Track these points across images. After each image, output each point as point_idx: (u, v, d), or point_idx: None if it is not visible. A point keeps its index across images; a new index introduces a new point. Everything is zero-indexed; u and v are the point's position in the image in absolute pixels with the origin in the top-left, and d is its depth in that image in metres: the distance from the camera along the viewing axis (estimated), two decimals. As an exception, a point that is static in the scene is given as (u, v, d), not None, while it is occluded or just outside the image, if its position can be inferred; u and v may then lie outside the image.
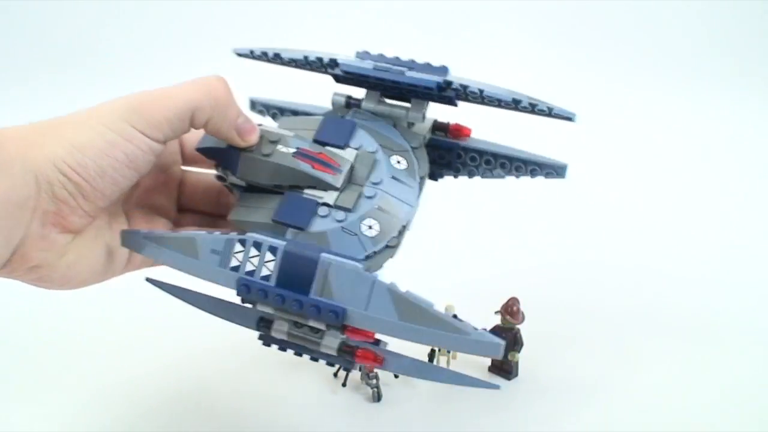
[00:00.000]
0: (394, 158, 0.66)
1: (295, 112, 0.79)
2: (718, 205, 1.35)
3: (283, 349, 0.66)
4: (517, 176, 0.73)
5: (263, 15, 1.89)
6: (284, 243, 0.58)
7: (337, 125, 0.67)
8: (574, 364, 0.89)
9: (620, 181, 1.44)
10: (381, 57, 0.68)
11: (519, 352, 0.86)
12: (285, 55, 0.71)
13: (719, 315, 1.01)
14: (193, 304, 0.71)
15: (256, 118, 0.69)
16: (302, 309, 0.57)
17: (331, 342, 0.63)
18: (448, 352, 0.86)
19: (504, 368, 0.87)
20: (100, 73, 1.84)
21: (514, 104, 0.65)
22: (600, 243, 1.20)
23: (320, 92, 0.76)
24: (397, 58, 0.68)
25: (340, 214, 0.61)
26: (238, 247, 0.59)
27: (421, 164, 0.68)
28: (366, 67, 0.67)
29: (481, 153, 0.73)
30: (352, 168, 0.64)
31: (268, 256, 0.58)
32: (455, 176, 0.75)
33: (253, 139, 0.64)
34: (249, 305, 0.63)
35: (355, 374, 0.85)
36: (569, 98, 1.79)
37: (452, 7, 1.85)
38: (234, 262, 0.59)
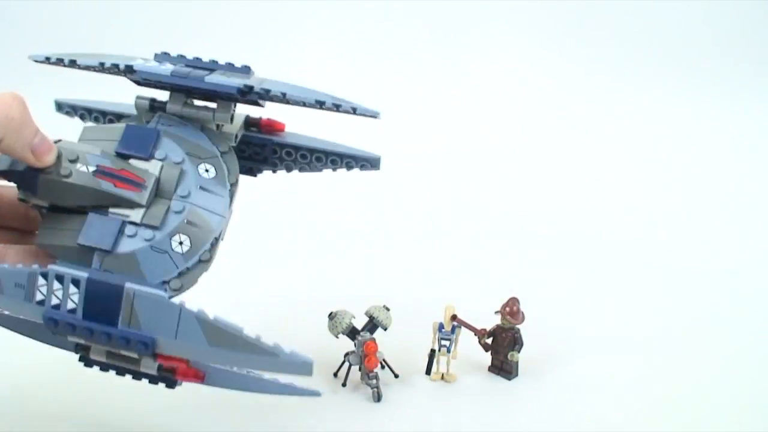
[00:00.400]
0: (202, 167, 0.64)
1: (103, 113, 0.77)
2: (722, 203, 1.35)
3: (105, 369, 0.65)
4: (334, 169, 0.74)
5: (263, 15, 1.89)
6: (86, 274, 0.57)
7: (139, 135, 0.64)
8: (574, 364, 0.89)
9: (622, 180, 1.44)
10: (181, 58, 0.66)
11: (519, 352, 0.86)
12: (81, 62, 0.67)
13: (723, 315, 1.01)
14: (7, 327, 0.68)
15: (62, 123, 0.68)
16: (111, 341, 0.57)
17: (150, 363, 0.62)
18: (448, 351, 0.86)
19: (504, 368, 0.87)
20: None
21: (319, 105, 0.64)
22: (601, 243, 1.20)
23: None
24: (198, 59, 0.66)
25: (148, 233, 0.60)
26: (41, 280, 0.58)
27: (231, 169, 0.66)
28: (163, 73, 0.64)
29: (296, 148, 0.73)
30: (157, 182, 0.62)
31: (72, 288, 0.57)
32: (273, 171, 0.75)
33: (49, 159, 0.60)
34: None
35: (355, 374, 0.85)
36: (570, 98, 1.79)
37: (452, 7, 1.85)
38: (39, 296, 0.58)
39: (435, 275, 1.10)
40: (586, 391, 0.84)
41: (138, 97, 0.70)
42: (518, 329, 0.86)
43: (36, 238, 0.62)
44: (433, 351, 0.87)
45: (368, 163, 0.74)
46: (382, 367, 0.85)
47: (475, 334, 0.87)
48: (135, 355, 0.60)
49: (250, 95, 0.65)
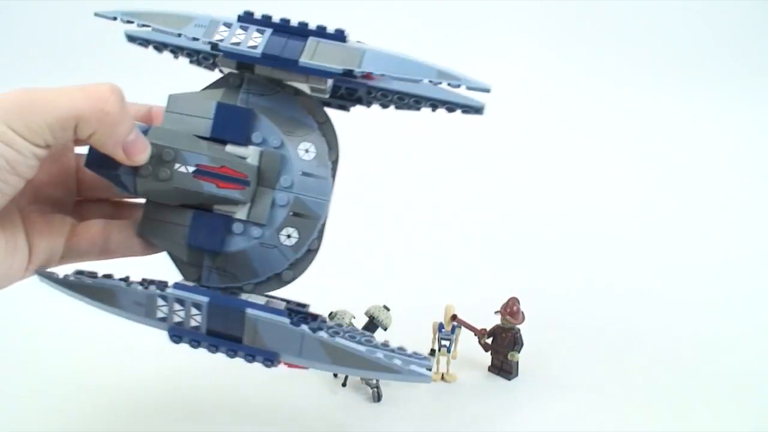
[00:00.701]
0: (302, 147, 0.61)
1: (180, 48, 0.70)
2: (722, 202, 1.35)
3: (195, 347, 0.63)
4: (433, 110, 0.69)
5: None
6: (207, 299, 0.58)
7: (232, 116, 0.61)
8: (574, 364, 0.89)
9: (622, 180, 1.44)
10: (267, 22, 0.61)
11: (519, 352, 0.86)
12: (156, 26, 0.62)
13: (724, 314, 1.00)
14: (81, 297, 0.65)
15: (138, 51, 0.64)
16: (236, 355, 0.60)
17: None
18: (448, 351, 0.86)
19: (504, 368, 0.87)
20: (97, 70, 1.84)
21: (431, 84, 0.60)
22: (601, 243, 1.20)
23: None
24: (286, 22, 0.61)
25: (256, 230, 0.60)
26: (160, 302, 0.59)
27: (331, 144, 0.64)
28: (254, 54, 0.60)
29: (392, 91, 0.68)
30: (258, 171, 0.60)
31: (194, 310, 0.59)
32: (368, 106, 0.71)
33: (142, 159, 0.58)
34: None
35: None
36: (570, 97, 1.79)
37: (452, 7, 1.85)
38: (160, 314, 0.59)
39: (435, 275, 1.10)
40: (586, 391, 0.84)
41: (221, 59, 0.64)
42: (518, 329, 0.86)
43: (138, 229, 0.62)
44: (433, 351, 0.87)
45: (471, 108, 0.68)
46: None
47: (475, 334, 0.87)
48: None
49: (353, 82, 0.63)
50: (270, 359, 0.59)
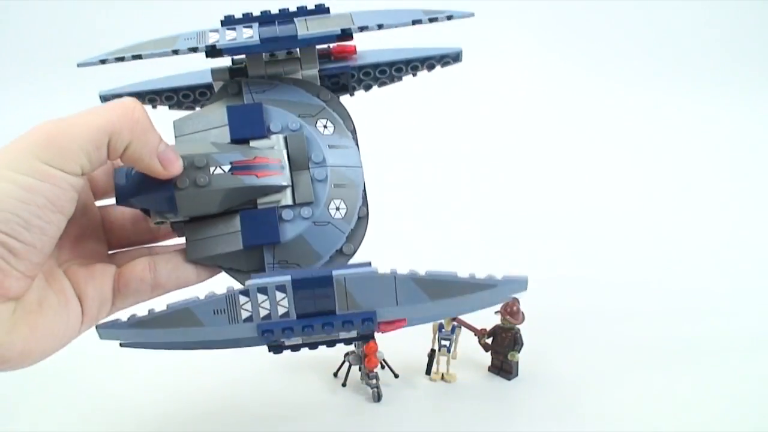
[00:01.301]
0: (320, 124, 0.63)
1: (174, 91, 0.71)
2: (723, 202, 1.35)
3: (296, 350, 0.64)
4: (415, 74, 0.71)
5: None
6: (289, 277, 0.56)
7: (244, 114, 0.62)
8: (574, 364, 0.89)
9: (622, 180, 1.44)
10: (250, 18, 0.63)
11: (519, 352, 0.86)
12: (146, 53, 0.62)
13: (725, 313, 1.00)
14: (186, 348, 0.64)
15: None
16: (334, 329, 0.57)
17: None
18: (448, 351, 0.86)
19: (504, 368, 0.87)
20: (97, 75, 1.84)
21: (414, 24, 0.63)
22: (602, 244, 1.20)
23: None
24: (268, 12, 0.63)
25: (306, 211, 0.59)
26: (242, 299, 0.56)
27: (343, 116, 0.65)
28: (253, 42, 0.61)
29: (375, 66, 0.70)
30: (288, 155, 0.60)
31: (278, 295, 0.56)
32: (351, 95, 0.72)
33: (177, 168, 0.57)
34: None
35: (355, 374, 0.85)
36: (571, 95, 1.78)
37: (452, 6, 1.84)
38: (245, 314, 0.56)
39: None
40: (586, 391, 0.84)
41: (214, 70, 0.67)
42: (518, 329, 0.86)
43: (187, 256, 0.60)
44: (433, 351, 0.87)
45: (449, 58, 0.70)
46: (382, 367, 0.85)
47: (475, 334, 0.87)
48: (355, 334, 0.60)
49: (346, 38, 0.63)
50: (369, 319, 0.57)
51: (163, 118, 0.65)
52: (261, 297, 0.56)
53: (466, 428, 0.79)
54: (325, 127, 0.63)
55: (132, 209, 0.62)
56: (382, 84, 0.72)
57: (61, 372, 0.87)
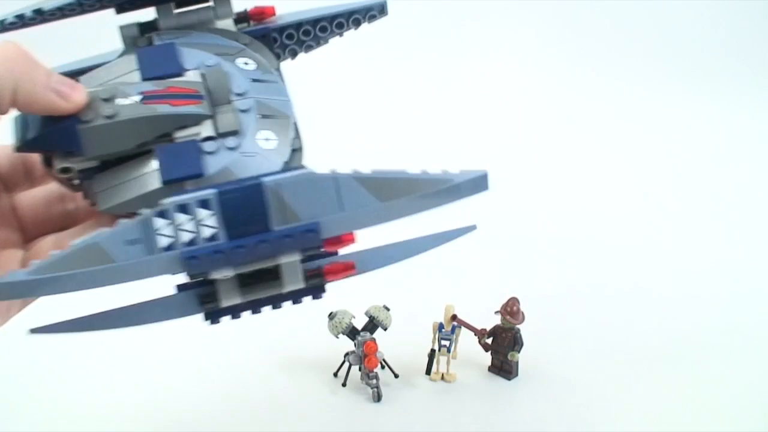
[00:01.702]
0: (240, 61, 0.57)
1: (82, 71, 0.61)
2: (723, 204, 1.35)
3: (237, 316, 0.56)
4: (341, 34, 0.66)
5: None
6: (215, 189, 0.48)
7: (156, 55, 0.55)
8: (574, 364, 0.89)
9: (622, 180, 1.44)
10: None
11: (519, 352, 0.86)
12: (47, 6, 0.57)
13: (724, 314, 1.00)
14: (107, 328, 0.57)
15: None
16: (272, 247, 0.49)
17: (294, 275, 0.54)
18: (449, 351, 0.86)
19: (504, 368, 0.87)
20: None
21: (330, 17, 0.60)
22: (601, 244, 1.20)
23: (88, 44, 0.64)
24: None
25: (231, 141, 0.52)
26: (159, 222, 0.48)
27: (267, 56, 0.60)
28: None
29: (297, 26, 0.64)
30: (208, 90, 0.53)
31: (203, 212, 0.48)
32: (278, 60, 0.66)
33: (80, 97, 0.50)
34: (180, 289, 0.54)
35: (355, 374, 0.85)
36: (570, 96, 1.78)
37: (451, 6, 1.85)
38: (164, 242, 0.48)
39: (435, 275, 1.10)
40: (586, 391, 0.84)
41: (122, 27, 0.60)
42: (518, 329, 0.86)
43: (99, 206, 0.52)
44: (433, 351, 0.87)
45: (375, 11, 0.65)
46: (382, 367, 0.85)
47: (475, 334, 0.87)
48: (297, 257, 0.51)
49: None
50: (312, 230, 0.49)
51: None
52: (182, 217, 0.48)
53: (466, 428, 0.79)
54: (246, 64, 0.57)
55: (44, 190, 0.57)
56: (308, 48, 0.66)
57: (62, 373, 0.87)
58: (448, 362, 0.87)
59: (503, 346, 0.86)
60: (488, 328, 0.87)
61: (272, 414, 0.81)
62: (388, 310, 0.85)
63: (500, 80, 1.76)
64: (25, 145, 0.51)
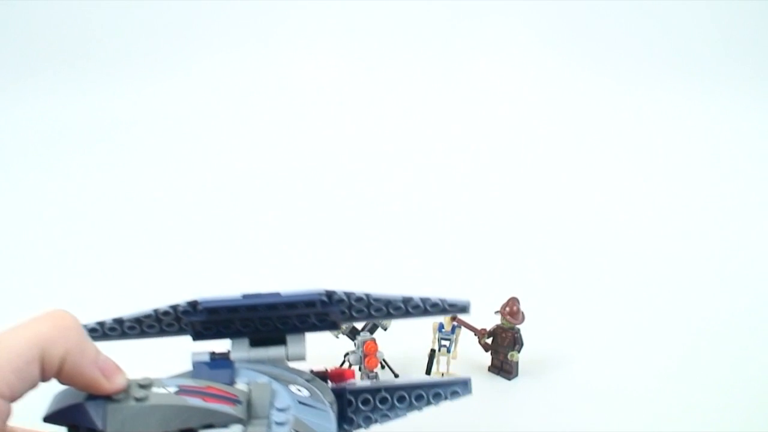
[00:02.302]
0: (293, 387, 0.55)
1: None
2: (724, 206, 1.35)
3: None
4: (420, 409, 0.64)
5: (261, 12, 1.89)
6: None
7: (213, 368, 0.54)
8: (574, 364, 0.89)
9: (623, 181, 1.44)
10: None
11: (519, 352, 0.86)
12: (127, 316, 0.58)
13: (724, 315, 1.00)
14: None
15: None
16: None
17: None
18: (449, 351, 0.86)
19: (504, 368, 0.87)
20: (96, 73, 1.84)
21: (404, 304, 0.59)
22: (601, 243, 1.20)
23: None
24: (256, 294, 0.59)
25: None
26: None
27: (324, 392, 0.58)
28: (234, 297, 0.57)
29: (374, 392, 0.62)
30: (249, 401, 0.51)
31: None
32: (352, 429, 0.65)
33: (121, 381, 0.49)
34: None
35: (355, 374, 0.85)
36: (571, 98, 1.78)
37: (451, 6, 1.85)
38: None
39: (435, 275, 1.10)
40: (586, 392, 0.84)
41: (194, 353, 0.60)
42: (518, 329, 0.86)
43: None
44: (433, 351, 0.87)
45: (458, 389, 0.64)
46: (382, 367, 0.85)
47: (475, 334, 0.87)
48: None
49: (330, 306, 0.59)
50: None
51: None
52: None
53: (466, 428, 0.79)
54: (299, 390, 0.56)
55: None
56: (384, 418, 0.64)
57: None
58: (448, 362, 0.87)
59: (503, 346, 0.86)
60: (488, 328, 0.87)
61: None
62: (388, 310, 0.85)
63: (500, 80, 1.76)
64: (52, 416, 0.49)
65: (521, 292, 0.87)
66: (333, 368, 0.64)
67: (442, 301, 0.61)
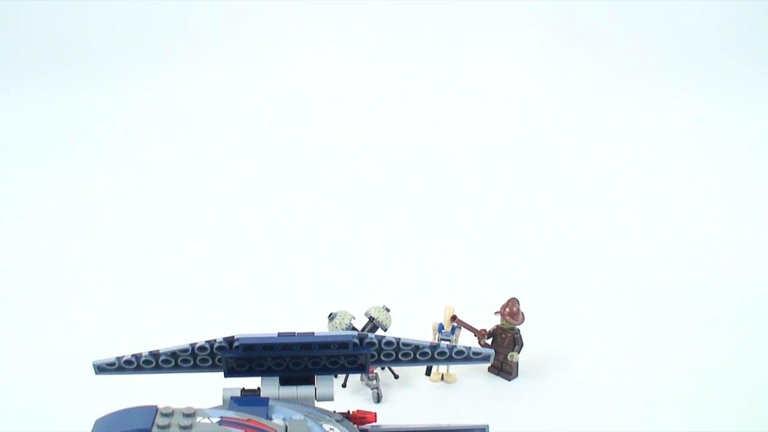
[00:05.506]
0: (326, 426, 0.58)
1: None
2: (724, 206, 1.35)
3: None
4: None
5: (260, 13, 1.89)
6: None
7: (248, 403, 0.58)
8: (574, 365, 0.89)
9: (623, 181, 1.44)
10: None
11: (519, 352, 0.86)
12: (163, 350, 0.61)
13: (724, 316, 1.00)
14: None
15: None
16: None
17: None
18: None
19: (504, 368, 0.87)
20: (96, 73, 1.84)
21: (432, 350, 0.63)
22: (601, 244, 1.20)
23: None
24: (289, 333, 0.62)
25: None
26: None
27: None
28: (270, 335, 0.60)
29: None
30: None
31: None
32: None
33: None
34: None
35: (355, 375, 0.85)
36: (570, 98, 1.79)
37: (450, 7, 1.85)
38: None
39: (435, 275, 1.10)
40: (586, 392, 0.84)
41: (226, 389, 0.62)
42: (518, 330, 0.86)
43: None
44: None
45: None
46: (382, 367, 0.85)
47: (475, 335, 0.87)
48: None
49: (361, 348, 0.61)
50: None
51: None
52: None
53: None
54: (331, 429, 0.58)
55: None
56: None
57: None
58: (447, 369, 0.87)
59: (503, 346, 0.86)
60: (488, 329, 0.87)
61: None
62: (388, 311, 0.85)
63: (500, 80, 1.76)
64: None
65: (521, 293, 0.87)
66: (356, 411, 0.66)
67: (467, 348, 0.64)
